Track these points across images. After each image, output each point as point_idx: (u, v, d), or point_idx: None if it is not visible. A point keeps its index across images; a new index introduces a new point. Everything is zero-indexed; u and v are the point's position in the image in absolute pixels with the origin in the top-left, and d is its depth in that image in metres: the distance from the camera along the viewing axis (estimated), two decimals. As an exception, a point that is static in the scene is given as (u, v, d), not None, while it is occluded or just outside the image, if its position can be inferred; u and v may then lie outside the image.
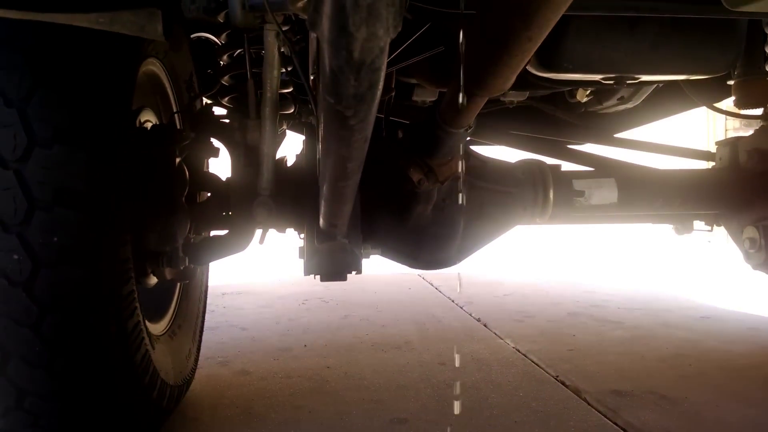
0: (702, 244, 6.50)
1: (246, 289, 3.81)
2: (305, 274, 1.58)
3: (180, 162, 1.59)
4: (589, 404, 1.83)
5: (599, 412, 1.77)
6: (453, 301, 3.47)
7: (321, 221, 1.31)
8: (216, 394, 1.91)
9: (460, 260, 1.79)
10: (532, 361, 2.25)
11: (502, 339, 2.59)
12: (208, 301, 2.86)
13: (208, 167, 1.90)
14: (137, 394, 1.38)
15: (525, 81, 1.75)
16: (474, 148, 1.83)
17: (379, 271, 4.44)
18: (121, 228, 1.28)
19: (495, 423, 1.68)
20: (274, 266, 4.71)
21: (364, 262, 1.59)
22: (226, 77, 1.83)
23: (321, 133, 0.75)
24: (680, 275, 4.53)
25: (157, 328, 1.67)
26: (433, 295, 3.69)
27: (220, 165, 1.83)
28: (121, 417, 1.39)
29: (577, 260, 5.46)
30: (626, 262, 5.29)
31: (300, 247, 1.62)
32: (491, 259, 5.27)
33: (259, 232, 1.73)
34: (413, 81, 1.98)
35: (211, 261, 1.71)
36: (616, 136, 2.51)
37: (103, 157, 1.23)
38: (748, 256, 1.82)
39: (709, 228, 2.21)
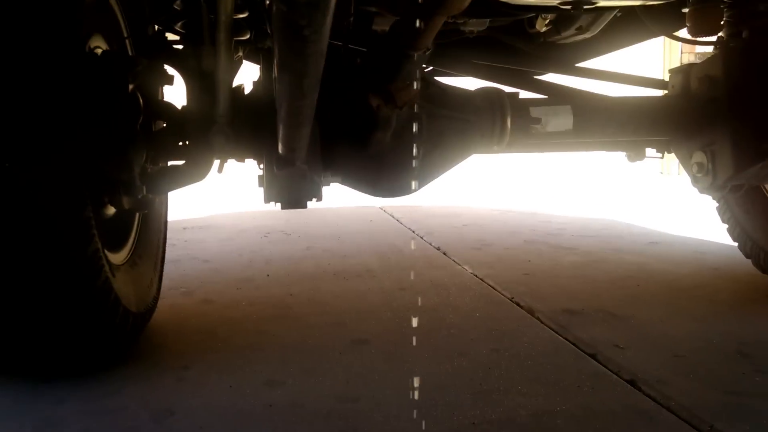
0: (654, 176, 6.68)
1: (207, 224, 3.79)
2: (265, 202, 1.58)
3: (133, 89, 1.56)
4: (541, 322, 1.91)
5: (551, 329, 1.85)
6: (413, 231, 3.53)
7: (279, 147, 1.31)
8: (180, 321, 1.93)
9: (419, 188, 1.81)
10: (489, 285, 2.33)
11: (460, 266, 2.66)
12: (170, 235, 2.85)
13: (162, 96, 1.86)
14: (100, 319, 1.39)
15: (484, 7, 1.74)
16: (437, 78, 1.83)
17: (341, 204, 4.47)
18: (74, 155, 1.26)
19: (452, 341, 1.75)
20: (235, 201, 4.69)
21: (326, 194, 1.60)
22: (177, 1, 1.77)
23: (276, 48, 0.75)
24: (633, 205, 4.67)
25: (117, 257, 1.67)
26: (394, 227, 3.74)
27: (176, 94, 1.79)
28: (85, 341, 1.41)
29: (534, 191, 5.56)
30: (581, 193, 5.42)
31: (259, 176, 1.62)
32: (451, 192, 5.34)
33: (217, 162, 1.72)
34: (372, 9, 1.95)
35: (168, 191, 1.70)
36: (576, 65, 2.53)
37: (53, 83, 1.20)
38: (695, 180, 1.89)
39: (661, 155, 2.27)
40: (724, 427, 1.27)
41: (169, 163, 1.76)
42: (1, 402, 1.39)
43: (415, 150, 1.69)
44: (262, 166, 1.64)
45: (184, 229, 3.57)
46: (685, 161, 1.94)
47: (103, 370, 1.54)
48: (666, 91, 2.16)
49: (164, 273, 2.13)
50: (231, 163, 2.24)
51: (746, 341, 1.76)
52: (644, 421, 1.30)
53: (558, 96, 2.13)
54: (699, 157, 1.86)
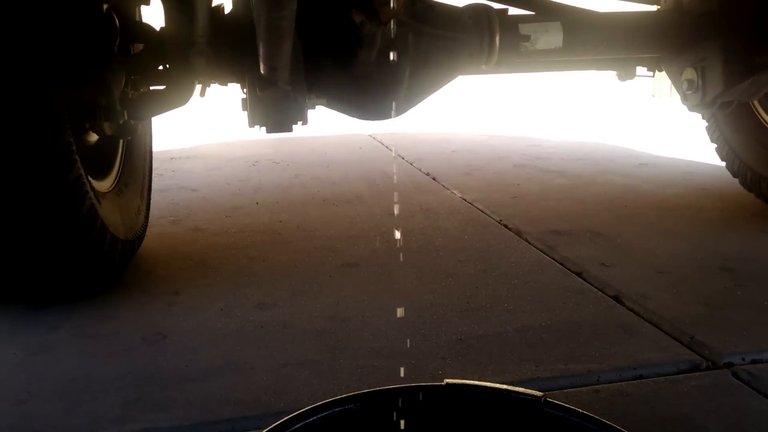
0: (646, 99, 6.62)
1: (194, 153, 3.75)
2: (249, 126, 1.56)
3: (108, 9, 1.50)
4: (529, 243, 1.93)
5: (538, 249, 1.87)
6: (403, 158, 3.51)
7: (261, 66, 1.27)
8: (169, 249, 1.94)
9: (406, 109, 1.78)
10: (478, 209, 2.34)
11: (449, 190, 2.66)
12: (157, 165, 2.83)
13: (140, 17, 1.80)
14: (87, 246, 1.39)
15: None
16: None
17: (330, 132, 4.42)
18: (49, 78, 1.22)
19: (440, 262, 1.77)
20: (222, 131, 4.63)
21: (314, 122, 1.57)
22: None
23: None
24: (623, 128, 4.64)
25: (102, 185, 1.65)
26: (383, 154, 3.71)
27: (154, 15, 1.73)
28: (75, 268, 1.42)
29: (523, 116, 5.51)
30: (572, 117, 5.37)
31: (243, 99, 1.58)
32: (440, 118, 5.29)
33: (199, 86, 1.68)
34: None
35: (151, 116, 1.67)
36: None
37: (23, 3, 1.15)
38: (685, 98, 1.87)
39: (651, 73, 2.24)
40: (704, 338, 1.30)
41: (151, 88, 1.72)
42: (-5, 329, 1.41)
43: (401, 70, 1.66)
44: (245, 90, 1.61)
45: (172, 159, 3.53)
46: (675, 78, 1.91)
47: (95, 297, 1.55)
48: (658, 7, 2.11)
49: (153, 203, 2.12)
50: (216, 91, 2.20)
51: (730, 257, 1.79)
52: (627, 333, 1.34)
53: (547, 12, 2.07)
54: (689, 73, 1.84)
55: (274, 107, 1.47)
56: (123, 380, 1.17)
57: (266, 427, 0.82)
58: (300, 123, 1.56)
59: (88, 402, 1.09)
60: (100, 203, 1.47)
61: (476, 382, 0.87)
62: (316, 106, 1.66)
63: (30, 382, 1.16)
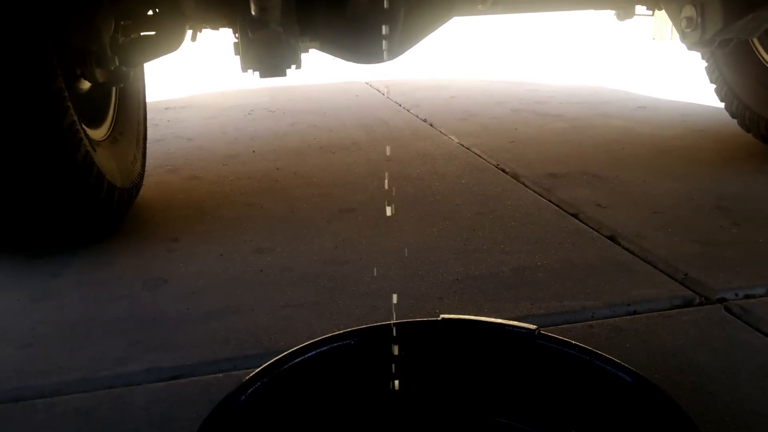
0: (646, 42, 6.52)
1: (190, 103, 3.71)
2: (242, 71, 1.54)
3: (94, -49, 1.46)
4: (526, 186, 1.94)
5: (535, 192, 1.88)
6: (400, 105, 3.48)
7: (252, 7, 1.25)
8: (167, 197, 1.94)
9: (401, 52, 1.76)
10: (475, 154, 2.33)
11: (446, 136, 2.65)
12: (152, 115, 2.81)
13: (127, -40, 1.75)
14: (85, 194, 1.39)
15: None
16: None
17: (326, 80, 4.37)
18: (38, 23, 1.20)
19: (438, 206, 1.78)
20: (217, 81, 4.57)
21: (309, 69, 1.55)
22: None
23: None
24: (623, 71, 4.59)
25: (97, 133, 1.64)
26: (380, 101, 3.68)
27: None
28: (73, 216, 1.42)
29: (521, 60, 5.44)
30: (571, 61, 5.30)
31: (235, 43, 1.56)
32: (437, 64, 5.22)
33: (190, 32, 1.66)
34: None
35: (142, 62, 1.65)
36: None
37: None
38: (684, 36, 1.84)
39: (650, 12, 2.20)
40: (697, 275, 1.32)
41: (141, 33, 1.70)
42: (-3, 277, 1.42)
43: (395, 11, 1.63)
44: (237, 34, 1.58)
45: (167, 109, 3.50)
46: (674, 16, 1.88)
47: (96, 245, 1.56)
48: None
49: (149, 152, 2.11)
50: (208, 37, 2.17)
51: (726, 196, 1.80)
52: (622, 272, 1.35)
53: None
54: (689, 11, 1.81)
55: (267, 50, 1.45)
56: (125, 323, 1.19)
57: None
58: (294, 67, 1.54)
59: (92, 344, 1.11)
60: (95, 151, 1.46)
61: (471, 317, 0.88)
62: (310, 50, 1.64)
63: (34, 327, 1.18)
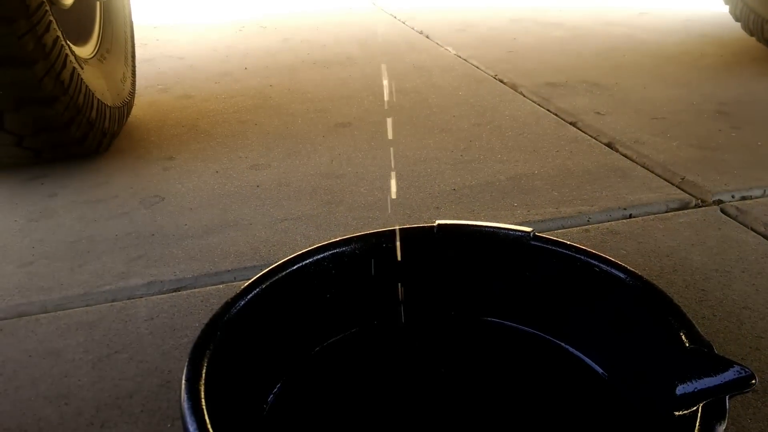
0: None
1: (179, 22, 3.60)
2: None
3: None
4: (524, 96, 1.90)
5: (533, 101, 1.85)
6: (395, 17, 3.37)
7: None
8: (160, 117, 1.91)
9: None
10: (472, 65, 2.28)
11: (443, 47, 2.58)
12: (140, 34, 2.73)
13: None
14: (75, 113, 1.37)
15: None
16: None
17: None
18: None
19: (434, 119, 1.75)
20: (204, 1, 4.42)
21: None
22: None
23: None
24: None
25: (83, 51, 1.60)
26: (374, 13, 3.57)
27: None
28: (64, 134, 1.40)
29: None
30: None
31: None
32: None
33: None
34: None
35: (125, -27, 1.58)
36: None
37: None
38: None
39: None
40: (695, 179, 1.31)
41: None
42: (-6, 199, 1.42)
43: None
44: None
45: (155, 27, 3.40)
46: None
47: (91, 165, 1.55)
48: None
49: (139, 72, 2.07)
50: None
51: (726, 101, 1.77)
52: (618, 177, 1.35)
53: None
54: None
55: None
56: (125, 240, 1.19)
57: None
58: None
59: (93, 261, 1.12)
60: (82, 68, 1.43)
61: (465, 222, 0.89)
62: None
63: (34, 246, 1.19)
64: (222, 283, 1.05)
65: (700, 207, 1.22)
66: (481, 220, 1.19)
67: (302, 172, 1.47)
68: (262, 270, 1.06)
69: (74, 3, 1.56)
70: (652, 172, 1.36)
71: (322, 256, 0.84)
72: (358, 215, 1.24)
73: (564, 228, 1.16)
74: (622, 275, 0.77)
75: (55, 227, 1.26)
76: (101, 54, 1.69)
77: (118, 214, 1.31)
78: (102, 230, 1.24)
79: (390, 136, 1.66)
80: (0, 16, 1.16)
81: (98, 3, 1.75)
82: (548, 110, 1.77)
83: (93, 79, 1.51)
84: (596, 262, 0.79)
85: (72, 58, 1.35)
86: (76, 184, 1.46)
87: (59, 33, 1.29)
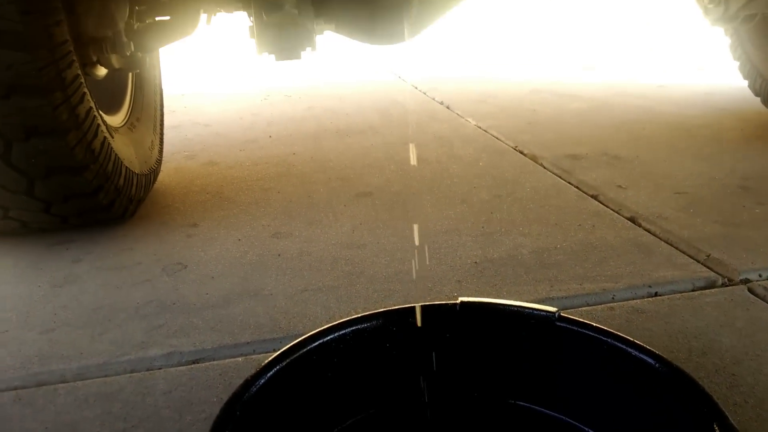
0: (669, 19, 6.39)
1: (206, 90, 3.72)
2: (257, 54, 1.53)
3: (107, -63, 1.46)
4: (544, 167, 1.91)
5: (554, 174, 1.86)
6: (416, 88, 3.45)
7: (266, -10, 1.24)
8: (186, 183, 1.95)
9: (416, 34, 1.74)
10: (493, 135, 2.31)
11: (464, 118, 2.63)
12: (168, 102, 2.82)
13: (140, -55, 1.75)
14: (103, 180, 1.40)
15: None
16: None
17: (341, 64, 4.35)
18: (52, 9, 1.20)
19: (455, 189, 1.76)
20: (233, 66, 4.57)
21: (322, 51, 1.53)
22: None
23: None
24: (642, 49, 4.51)
25: (114, 120, 1.65)
26: (396, 85, 3.66)
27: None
28: (92, 202, 1.43)
29: (538, 41, 5.37)
30: (589, 37, 5.22)
31: (250, 27, 1.55)
32: (451, 46, 5.17)
33: (205, 15, 1.65)
34: None
35: (158, 47, 1.64)
36: None
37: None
38: (706, 12, 1.80)
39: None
40: (720, 256, 1.29)
41: (156, 18, 1.69)
42: (19, 264, 1.44)
43: (410, -8, 1.61)
44: (251, 17, 1.58)
45: (183, 95, 3.51)
46: (696, -8, 1.83)
47: (115, 231, 1.58)
48: None
49: (166, 139, 2.12)
50: (222, 20, 2.16)
51: (749, 176, 1.76)
52: (643, 253, 1.33)
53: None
54: (712, -14, 1.76)
55: (282, 33, 1.44)
56: (146, 308, 1.19)
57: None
58: (309, 50, 1.53)
59: (113, 329, 1.12)
60: (113, 138, 1.47)
61: (489, 300, 0.88)
62: (325, 32, 1.63)
63: (56, 312, 1.20)
64: (241, 355, 1.04)
65: (727, 286, 1.20)
66: (504, 296, 1.18)
67: (324, 241, 1.47)
68: (281, 342, 1.06)
69: (107, 73, 1.62)
70: (677, 248, 1.35)
71: (342, 332, 0.83)
72: (379, 287, 1.23)
73: (588, 305, 1.14)
74: (650, 360, 0.75)
75: (78, 293, 1.27)
76: (131, 122, 1.74)
77: (141, 282, 1.32)
78: (124, 298, 1.24)
79: (411, 206, 1.67)
80: (36, 87, 1.20)
81: (131, 73, 1.81)
82: (569, 182, 1.78)
83: (122, 147, 1.55)
84: (624, 346, 0.77)
85: (103, 127, 1.40)
86: (101, 250, 1.47)
87: (92, 104, 1.34)
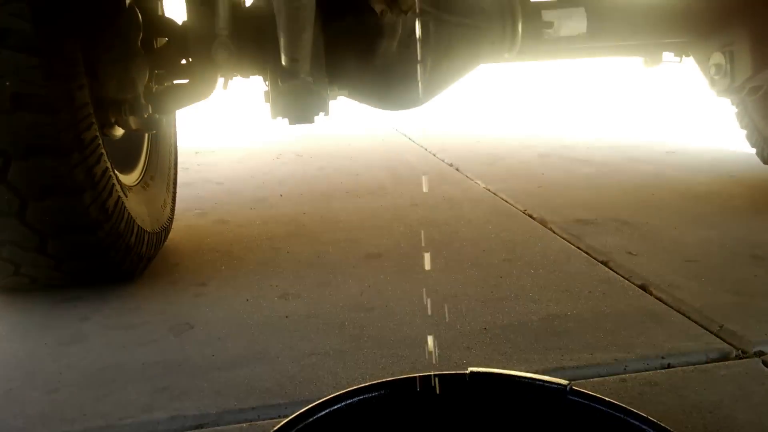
0: (674, 82, 6.50)
1: (219, 147, 3.78)
2: (272, 118, 1.57)
3: (131, 4, 1.52)
4: (554, 233, 1.92)
5: (563, 238, 1.86)
6: (426, 149, 3.50)
7: (282, 58, 1.28)
8: (196, 241, 1.96)
9: (428, 99, 1.78)
10: (502, 198, 2.33)
11: (473, 180, 2.65)
12: (182, 159, 2.86)
13: (162, 11, 1.81)
14: (115, 239, 1.41)
15: None
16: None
17: (352, 124, 4.43)
18: (75, 73, 1.24)
19: (464, 252, 1.76)
20: (246, 125, 4.66)
21: (336, 113, 1.57)
22: None
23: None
24: (651, 115, 4.57)
25: (129, 179, 1.68)
26: (406, 145, 3.71)
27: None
28: (103, 260, 1.44)
29: (548, 106, 5.46)
30: (597, 104, 5.30)
31: (265, 92, 1.59)
32: (462, 109, 5.26)
33: (222, 79, 1.70)
34: None
35: (175, 109, 1.68)
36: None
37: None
38: (713, 83, 1.84)
39: (678, 59, 2.20)
40: (734, 327, 1.28)
41: (174, 81, 1.74)
42: (26, 321, 1.43)
43: (422, 60, 1.65)
44: (267, 82, 1.62)
45: (196, 153, 3.57)
46: (702, 63, 1.87)
47: (124, 290, 1.58)
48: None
49: (179, 196, 2.15)
50: (238, 83, 2.21)
51: (760, 245, 1.75)
52: (654, 322, 1.32)
53: (570, -2, 2.05)
54: (717, 58, 1.80)
55: (296, 99, 1.48)
56: (151, 369, 1.18)
57: (291, 415, 0.82)
58: (322, 114, 1.57)
59: (118, 390, 1.11)
60: (126, 197, 1.49)
61: (500, 371, 0.86)
62: (338, 97, 1.67)
63: (61, 372, 1.19)
64: (246, 421, 1.02)
65: (742, 358, 1.18)
66: (514, 364, 1.16)
67: (332, 303, 1.47)
68: (286, 408, 1.04)
69: (124, 133, 1.66)
70: (689, 318, 1.33)
71: (350, 402, 0.82)
72: (387, 353, 1.22)
73: (600, 376, 1.12)
74: (665, 439, 0.73)
75: (84, 353, 1.26)
76: (145, 181, 1.77)
77: (147, 342, 1.31)
78: (130, 358, 1.23)
79: (420, 269, 1.66)
80: (56, 148, 1.23)
81: (147, 133, 1.85)
82: (579, 248, 1.77)
83: (135, 205, 1.57)
84: (638, 423, 0.76)
85: (118, 186, 1.42)
86: (108, 309, 1.47)
87: (108, 164, 1.36)
